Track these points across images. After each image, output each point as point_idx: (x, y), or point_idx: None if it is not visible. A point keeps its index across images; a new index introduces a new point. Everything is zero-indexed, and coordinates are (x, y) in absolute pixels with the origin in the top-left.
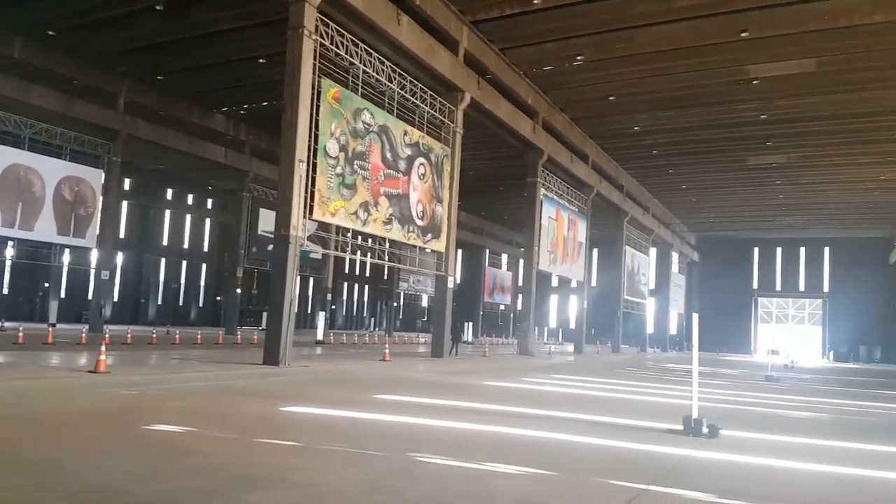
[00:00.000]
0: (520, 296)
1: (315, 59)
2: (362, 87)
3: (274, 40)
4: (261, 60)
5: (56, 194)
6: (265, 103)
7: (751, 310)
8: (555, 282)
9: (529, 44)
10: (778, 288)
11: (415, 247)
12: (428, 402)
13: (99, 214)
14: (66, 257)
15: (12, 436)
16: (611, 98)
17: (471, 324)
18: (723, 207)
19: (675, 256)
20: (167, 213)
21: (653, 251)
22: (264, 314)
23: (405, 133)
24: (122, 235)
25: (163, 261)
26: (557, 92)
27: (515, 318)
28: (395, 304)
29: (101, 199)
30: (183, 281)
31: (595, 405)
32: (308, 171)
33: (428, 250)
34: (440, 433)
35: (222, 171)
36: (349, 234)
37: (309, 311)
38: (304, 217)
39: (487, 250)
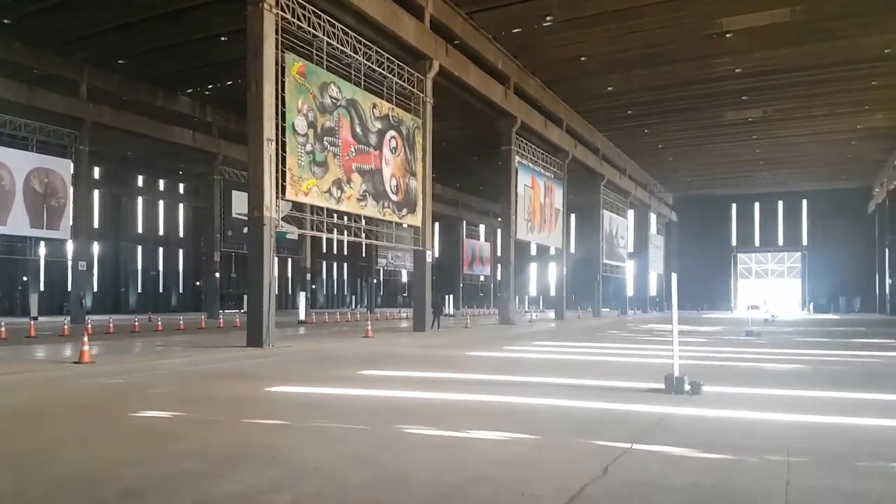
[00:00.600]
0: (499, 266)
1: (277, 33)
2: (328, 61)
3: (234, 17)
4: (222, 38)
5: (26, 187)
6: (230, 83)
7: (730, 267)
8: (533, 250)
9: (497, 6)
10: (757, 244)
11: (391, 222)
12: (412, 376)
13: (71, 205)
14: (43, 250)
15: None
16: (582, 59)
17: (452, 296)
18: (700, 165)
19: (652, 218)
20: (139, 200)
21: (630, 214)
22: (245, 297)
23: (374, 106)
24: (96, 225)
25: (139, 249)
26: (528, 55)
27: (496, 288)
28: (375, 280)
29: (71, 189)
30: (161, 268)
31: (577, 369)
32: (278, 149)
33: (404, 225)
34: (425, 405)
35: (191, 155)
36: (324, 213)
37: (290, 292)
38: (277, 198)
39: (465, 222)
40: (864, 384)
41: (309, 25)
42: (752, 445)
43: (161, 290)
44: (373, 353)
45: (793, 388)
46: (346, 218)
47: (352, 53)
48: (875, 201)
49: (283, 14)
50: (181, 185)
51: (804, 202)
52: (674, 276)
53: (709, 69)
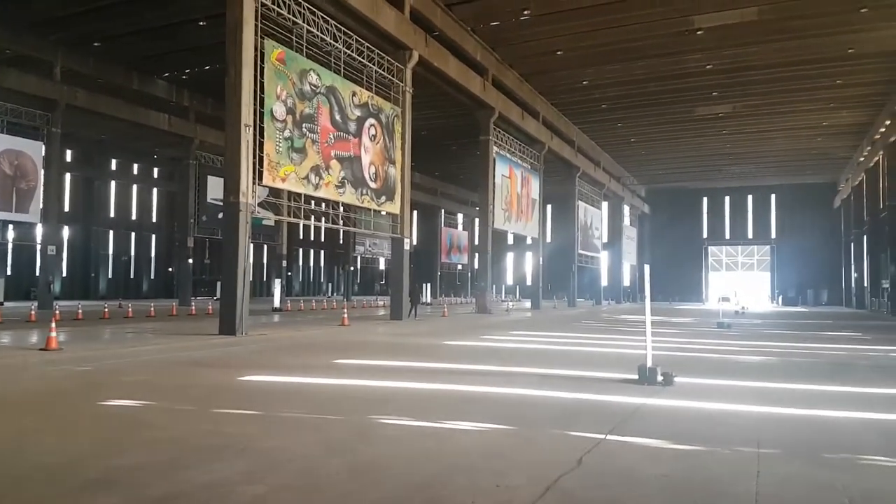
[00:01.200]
0: (476, 255)
1: (257, 19)
2: (307, 48)
3: (214, 1)
4: (201, 23)
5: None
6: (207, 67)
7: (701, 259)
8: (510, 239)
9: None
10: (727, 236)
11: (369, 210)
12: (388, 365)
13: (41, 188)
14: (10, 233)
15: None
16: (558, 53)
17: (429, 285)
18: (671, 159)
19: (626, 209)
20: (112, 184)
21: (605, 205)
22: (218, 284)
23: (354, 94)
24: (66, 209)
25: (111, 233)
26: (506, 48)
27: (473, 277)
28: (352, 268)
29: (42, 172)
30: (133, 253)
31: (553, 359)
32: (255, 135)
33: (383, 213)
34: (400, 394)
35: (167, 139)
36: (301, 199)
37: (264, 279)
38: (254, 183)
39: (443, 211)
40: (831, 376)
41: (289, 12)
42: (724, 436)
43: (132, 276)
44: (349, 341)
45: (763, 379)
46: (323, 205)
47: (332, 41)
48: (840, 196)
49: (263, 0)
50: (156, 170)
51: (773, 196)
52: (646, 268)
53: (680, 65)
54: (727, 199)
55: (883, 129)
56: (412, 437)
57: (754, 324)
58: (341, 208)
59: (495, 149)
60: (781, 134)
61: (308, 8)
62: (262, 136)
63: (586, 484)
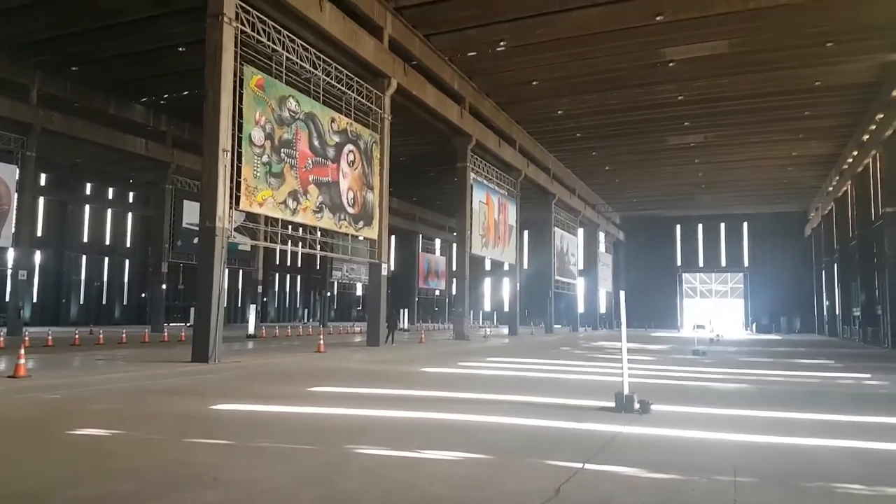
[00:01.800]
0: (454, 280)
1: (236, 46)
2: (287, 74)
3: (193, 27)
4: (180, 49)
5: None
6: (186, 92)
7: (675, 286)
8: (488, 265)
9: (453, 30)
10: (701, 264)
11: (347, 235)
12: (364, 392)
13: (14, 212)
14: None
15: None
16: (534, 83)
17: (406, 310)
18: (645, 187)
19: (601, 236)
20: (87, 208)
21: (580, 232)
22: (192, 310)
23: (332, 120)
24: (39, 233)
25: (84, 258)
26: (482, 77)
27: (450, 302)
28: (328, 293)
29: (15, 196)
30: (106, 278)
31: (530, 386)
32: (233, 160)
33: (360, 238)
34: (376, 423)
35: (143, 164)
36: (278, 224)
37: (239, 305)
38: (231, 208)
39: (421, 236)
40: (806, 404)
41: (269, 40)
42: (701, 465)
43: (104, 302)
44: (324, 368)
45: (739, 407)
46: (300, 230)
47: (311, 69)
48: (811, 225)
49: (243, 28)
50: (131, 194)
51: (745, 224)
52: (622, 294)
53: (653, 96)
54: (700, 226)
55: (850, 160)
56: (387, 468)
57: (729, 351)
58: (319, 233)
59: (473, 175)
60: (752, 163)
61: (288, 36)
62: (239, 160)
63: None
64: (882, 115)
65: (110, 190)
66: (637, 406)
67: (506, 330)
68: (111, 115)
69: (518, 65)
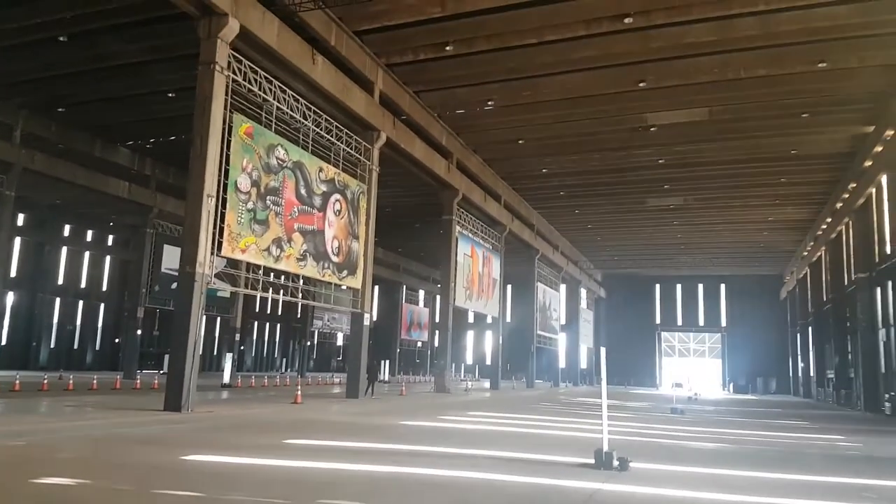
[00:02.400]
0: (437, 332)
1: (227, 94)
2: (276, 124)
3: (184, 74)
4: (170, 94)
5: None
6: (173, 137)
7: (655, 344)
8: (471, 318)
9: (442, 88)
10: (679, 323)
11: (330, 284)
12: (341, 446)
13: None
14: None
15: None
16: (520, 141)
17: (388, 362)
18: (626, 246)
19: (583, 293)
20: (64, 249)
21: (563, 287)
22: (166, 357)
23: (320, 169)
24: (13, 274)
25: (58, 301)
26: (470, 134)
27: (433, 354)
28: (308, 343)
29: None
30: (79, 322)
31: (510, 441)
32: (217, 206)
33: (344, 287)
34: (353, 477)
35: (125, 207)
36: (260, 272)
37: (215, 353)
38: (212, 254)
39: (404, 287)
40: (783, 464)
41: (260, 89)
42: None
43: (76, 346)
44: (301, 420)
45: (717, 466)
46: (283, 277)
47: (301, 119)
48: (786, 288)
49: (235, 77)
50: (111, 237)
51: (722, 286)
52: (603, 350)
53: (634, 159)
54: (679, 286)
55: (825, 226)
56: None
57: (707, 410)
58: (301, 281)
59: (458, 228)
60: (730, 227)
61: (279, 86)
62: (224, 206)
63: None
64: (854, 185)
65: (89, 232)
66: (616, 463)
67: (487, 384)
68: (95, 157)
69: (505, 123)
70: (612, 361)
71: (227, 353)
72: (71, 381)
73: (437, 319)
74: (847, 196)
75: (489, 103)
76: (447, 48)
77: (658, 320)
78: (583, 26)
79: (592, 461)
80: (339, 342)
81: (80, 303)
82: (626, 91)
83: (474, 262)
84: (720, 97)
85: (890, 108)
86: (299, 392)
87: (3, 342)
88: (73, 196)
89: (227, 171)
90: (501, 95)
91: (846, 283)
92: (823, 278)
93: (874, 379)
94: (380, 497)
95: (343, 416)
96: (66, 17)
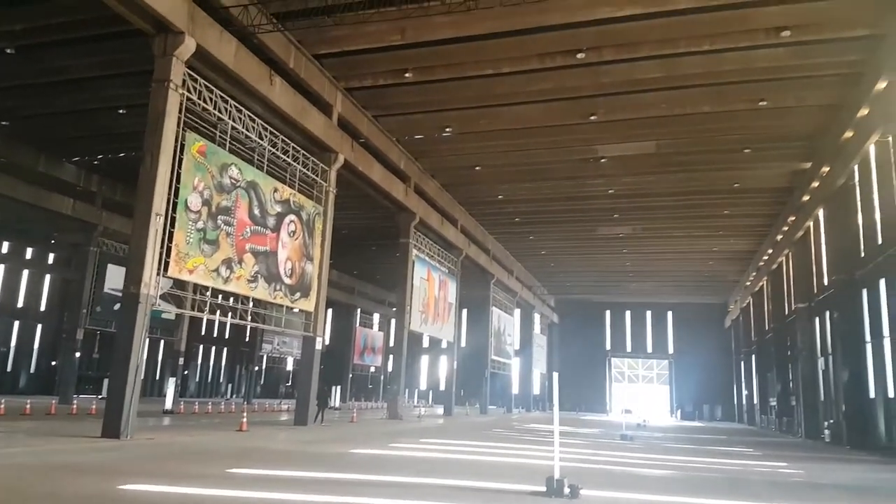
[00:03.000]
0: (391, 357)
1: (180, 112)
2: (231, 143)
3: (136, 91)
4: (121, 111)
5: None
6: (122, 154)
7: (605, 370)
8: (426, 342)
9: (401, 113)
10: (629, 349)
11: (281, 306)
12: (287, 475)
13: None
14: None
15: None
16: (477, 168)
17: (339, 387)
18: (578, 272)
19: (537, 318)
20: (1, 267)
21: (517, 312)
22: (105, 381)
23: (275, 190)
24: None
25: None
26: (428, 159)
27: (386, 380)
28: (256, 368)
29: None
30: (14, 343)
31: (462, 469)
32: (166, 225)
33: (296, 310)
34: None
35: (69, 224)
36: (208, 293)
37: (157, 377)
38: (158, 274)
39: (359, 310)
40: (729, 491)
41: (215, 108)
42: None
43: (10, 369)
44: (246, 448)
45: (665, 493)
46: (231, 299)
47: (257, 139)
48: (731, 317)
49: (189, 95)
50: (51, 255)
51: (670, 313)
52: (555, 375)
53: (585, 188)
54: (628, 313)
55: (766, 257)
56: None
57: (655, 437)
58: (251, 303)
59: (415, 252)
60: (677, 256)
61: (235, 106)
62: (172, 225)
63: None
64: (794, 218)
65: (29, 250)
66: (567, 491)
67: (441, 409)
68: (39, 173)
69: (462, 150)
70: (564, 387)
71: (171, 378)
72: (2, 405)
73: (392, 343)
74: (787, 229)
75: (447, 130)
76: (406, 75)
77: (609, 346)
78: (537, 60)
79: (544, 489)
80: (289, 367)
81: (16, 323)
82: (578, 123)
83: (430, 286)
84: (667, 131)
85: (825, 146)
86: (245, 419)
87: None
88: (14, 212)
89: (177, 190)
90: (459, 123)
91: (787, 312)
92: (766, 308)
93: (814, 406)
94: None
95: (291, 444)
96: (15, 29)
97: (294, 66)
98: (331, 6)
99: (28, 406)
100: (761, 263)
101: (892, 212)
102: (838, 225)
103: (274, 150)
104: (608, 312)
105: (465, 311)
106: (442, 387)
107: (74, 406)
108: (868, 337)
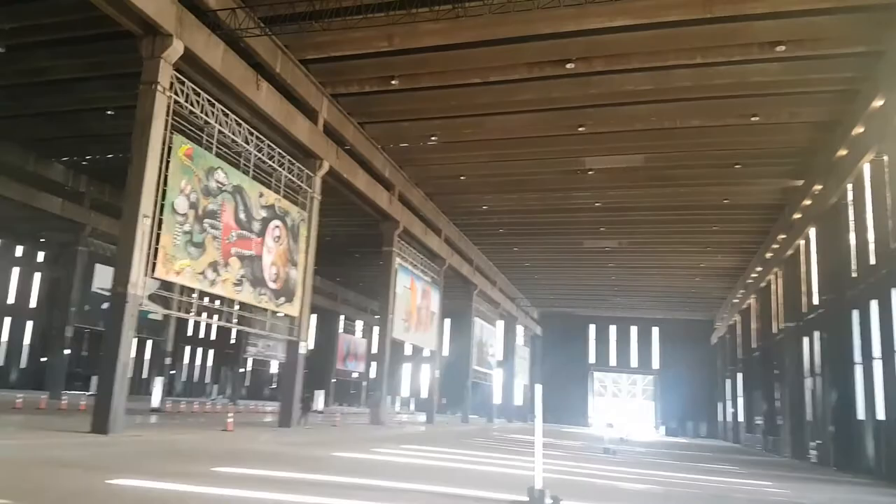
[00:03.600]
0: (373, 363)
1: (168, 115)
2: (217, 147)
3: (124, 93)
4: (109, 112)
5: None
6: (110, 155)
7: (588, 383)
8: (408, 350)
9: (387, 120)
10: (613, 363)
11: (266, 310)
12: (270, 475)
13: None
14: None
15: None
16: (462, 178)
17: (322, 392)
18: (562, 285)
19: (520, 330)
20: None
21: (500, 324)
22: (94, 378)
23: (261, 195)
24: None
25: None
26: (413, 168)
27: (368, 386)
28: (241, 370)
29: None
30: (5, 339)
31: (443, 476)
32: (153, 227)
33: (280, 314)
34: None
35: (57, 224)
36: (195, 295)
37: (144, 376)
38: (146, 275)
39: (342, 316)
40: None
41: (202, 112)
42: None
43: (1, 364)
44: (231, 448)
45: None
46: (218, 302)
47: (243, 143)
48: (717, 334)
49: (177, 98)
50: (41, 254)
51: (655, 329)
52: (538, 387)
53: (572, 200)
54: (613, 327)
55: (755, 275)
56: None
57: (638, 451)
58: (237, 307)
59: (398, 260)
60: (663, 271)
61: (222, 110)
62: (159, 227)
63: None
64: (784, 236)
65: (18, 248)
66: (549, 501)
67: (423, 417)
68: (28, 172)
69: (447, 159)
70: (546, 399)
71: (158, 377)
72: None
73: (375, 350)
74: (777, 247)
75: (432, 138)
76: (393, 82)
77: (592, 360)
78: (525, 69)
79: (525, 499)
80: (274, 370)
81: (8, 320)
82: (566, 135)
83: (413, 295)
84: (656, 145)
85: (818, 164)
86: (230, 419)
87: None
88: (4, 210)
89: (164, 192)
90: (445, 132)
91: (775, 331)
92: (753, 326)
93: (801, 427)
94: None
95: (274, 445)
96: (3, 29)
97: (281, 71)
98: (318, 11)
99: (19, 400)
100: (749, 281)
101: (885, 232)
102: (830, 244)
103: (260, 155)
104: (593, 326)
105: (448, 321)
106: (424, 395)
107: (64, 402)
108: (858, 358)
